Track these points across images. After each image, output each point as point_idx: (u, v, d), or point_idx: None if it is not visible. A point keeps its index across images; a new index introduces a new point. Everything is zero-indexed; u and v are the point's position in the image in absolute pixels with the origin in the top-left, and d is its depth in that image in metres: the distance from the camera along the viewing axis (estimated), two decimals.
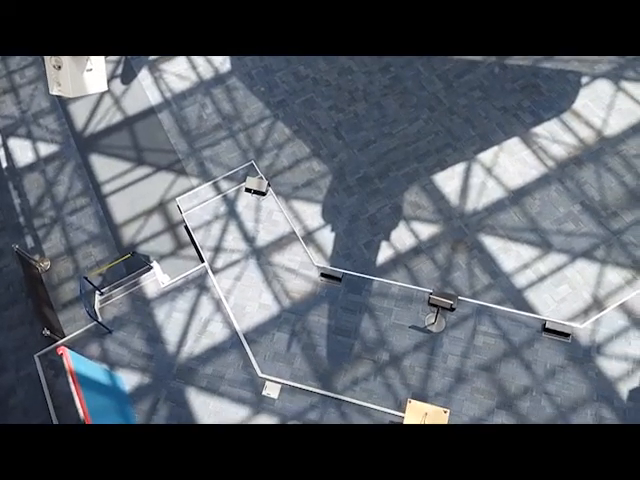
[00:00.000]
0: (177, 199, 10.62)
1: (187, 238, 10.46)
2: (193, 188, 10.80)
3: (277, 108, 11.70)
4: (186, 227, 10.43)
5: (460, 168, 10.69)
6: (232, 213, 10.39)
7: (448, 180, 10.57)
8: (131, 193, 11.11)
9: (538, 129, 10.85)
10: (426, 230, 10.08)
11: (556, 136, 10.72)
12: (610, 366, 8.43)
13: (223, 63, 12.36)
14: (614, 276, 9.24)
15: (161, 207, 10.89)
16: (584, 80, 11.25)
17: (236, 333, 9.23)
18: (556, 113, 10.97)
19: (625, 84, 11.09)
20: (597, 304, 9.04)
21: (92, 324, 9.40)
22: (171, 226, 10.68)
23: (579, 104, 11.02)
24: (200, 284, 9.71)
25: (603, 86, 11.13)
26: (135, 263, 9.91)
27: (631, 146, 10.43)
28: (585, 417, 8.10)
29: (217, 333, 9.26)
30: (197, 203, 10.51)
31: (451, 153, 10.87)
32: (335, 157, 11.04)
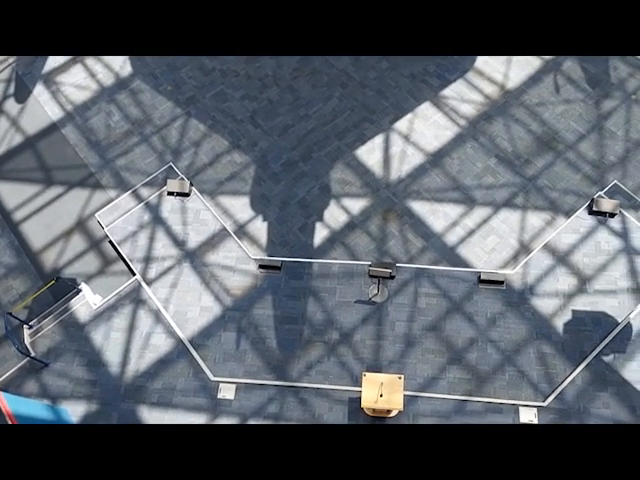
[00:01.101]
0: (96, 214, 10.11)
1: (114, 253, 9.99)
2: (112, 200, 10.31)
3: (188, 105, 11.35)
4: (111, 242, 9.96)
5: (379, 140, 10.84)
6: (157, 220, 10.02)
7: (370, 153, 10.70)
8: (45, 216, 10.46)
9: (446, 91, 11.18)
10: (356, 205, 10.17)
11: (464, 96, 11.09)
12: (544, 304, 8.92)
13: (123, 66, 11.81)
14: (535, 219, 9.73)
15: (80, 226, 10.32)
16: None
17: (181, 341, 8.96)
18: (460, 74, 11.33)
19: None
20: (524, 248, 9.50)
21: (25, 360, 8.81)
22: (94, 243, 10.16)
23: (480, 62, 11.44)
24: (135, 298, 9.33)
25: None
26: (61, 289, 9.37)
27: (532, 95, 10.97)
28: (528, 356, 8.54)
29: (161, 345, 8.95)
30: (118, 215, 10.05)
31: (369, 126, 11.00)
32: (255, 146, 10.88)
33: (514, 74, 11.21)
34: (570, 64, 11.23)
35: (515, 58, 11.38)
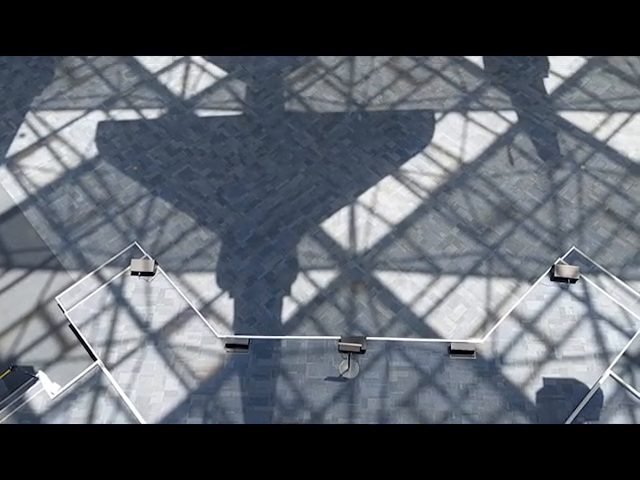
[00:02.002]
0: (57, 298, 9.95)
1: (74, 338, 9.74)
2: (73, 283, 10.20)
3: (153, 185, 11.61)
4: (71, 326, 9.75)
5: (345, 212, 11.20)
6: (120, 301, 9.91)
7: (336, 225, 11.01)
8: (4, 301, 10.22)
9: (407, 165, 11.77)
10: (324, 277, 10.31)
11: (423, 169, 11.69)
12: (515, 373, 8.99)
13: (89, 149, 12.12)
14: (500, 287, 10.01)
15: (40, 310, 10.11)
16: (437, 116, 12.50)
17: None
18: (419, 149, 12.01)
19: (472, 114, 12.48)
20: (491, 317, 9.69)
21: None
22: (54, 328, 9.91)
23: (437, 137, 12.17)
24: (95, 385, 9.01)
25: (454, 119, 12.43)
26: (17, 378, 9.00)
27: (489, 167, 11.63)
28: None
29: None
30: (80, 298, 9.91)
31: (334, 200, 11.39)
32: (222, 222, 11.08)
33: (470, 148, 11.94)
34: (521, 138, 12.05)
35: (469, 133, 12.16)
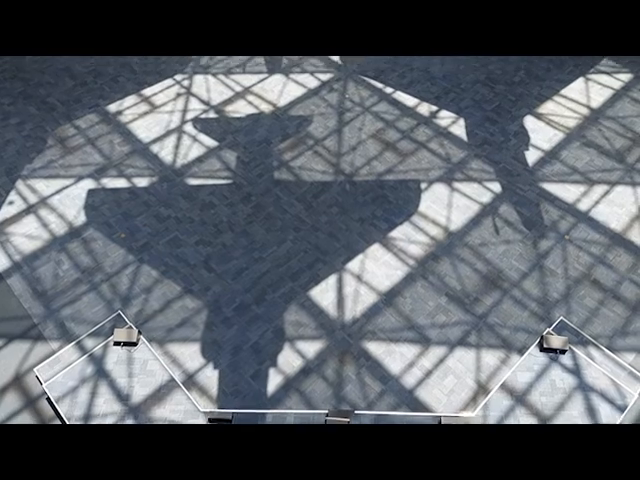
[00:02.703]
0: (35, 369, 9.75)
1: (51, 412, 9.46)
2: (54, 353, 10.04)
3: (141, 252, 11.73)
4: (48, 399, 9.50)
5: (333, 280, 11.32)
6: (101, 372, 9.73)
7: (324, 293, 11.09)
8: None
9: (394, 233, 12.06)
10: (311, 347, 10.26)
11: (411, 237, 11.98)
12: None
13: (77, 216, 12.32)
14: (490, 358, 10.02)
15: (17, 382, 9.87)
16: (423, 186, 12.98)
17: None
18: (406, 217, 12.36)
19: (457, 184, 12.98)
20: (482, 389, 9.62)
21: None
22: (30, 402, 9.64)
23: (424, 206, 12.57)
24: None
25: (440, 189, 12.91)
26: None
27: (475, 236, 11.96)
28: None
29: None
30: (59, 369, 9.73)
31: (322, 267, 11.55)
32: (208, 290, 11.13)
33: (455, 217, 12.31)
34: (506, 208, 12.48)
35: (455, 203, 12.58)
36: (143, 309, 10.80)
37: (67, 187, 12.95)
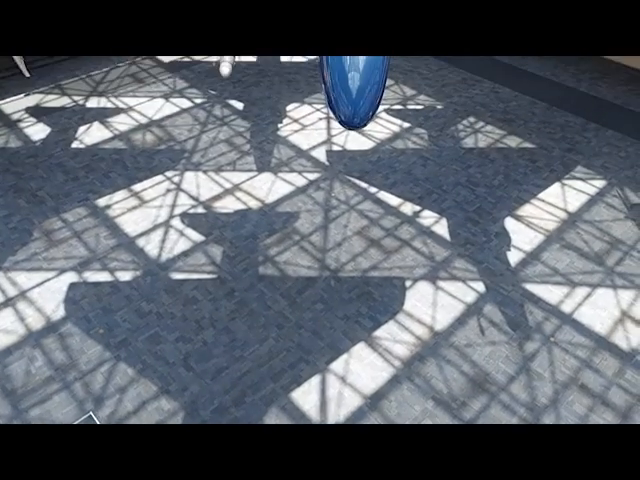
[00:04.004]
0: None
1: None
2: None
3: (118, 349, 11.60)
4: None
5: (316, 381, 11.20)
6: None
7: (306, 395, 10.92)
8: None
9: (379, 332, 12.15)
10: None
11: (396, 336, 12.06)
12: None
13: (55, 310, 12.30)
14: None
15: None
16: (408, 283, 13.30)
17: None
18: (391, 315, 12.53)
19: (441, 283, 13.32)
20: None
21: None
22: None
23: (409, 305, 12.79)
24: None
25: (424, 287, 13.22)
26: None
27: (460, 337, 12.08)
28: None
29: None
30: None
31: (305, 367, 11.46)
32: (186, 391, 10.90)
33: (441, 316, 12.50)
34: (490, 308, 12.75)
35: (440, 302, 12.83)
36: (116, 410, 10.49)
37: (48, 280, 13.04)
